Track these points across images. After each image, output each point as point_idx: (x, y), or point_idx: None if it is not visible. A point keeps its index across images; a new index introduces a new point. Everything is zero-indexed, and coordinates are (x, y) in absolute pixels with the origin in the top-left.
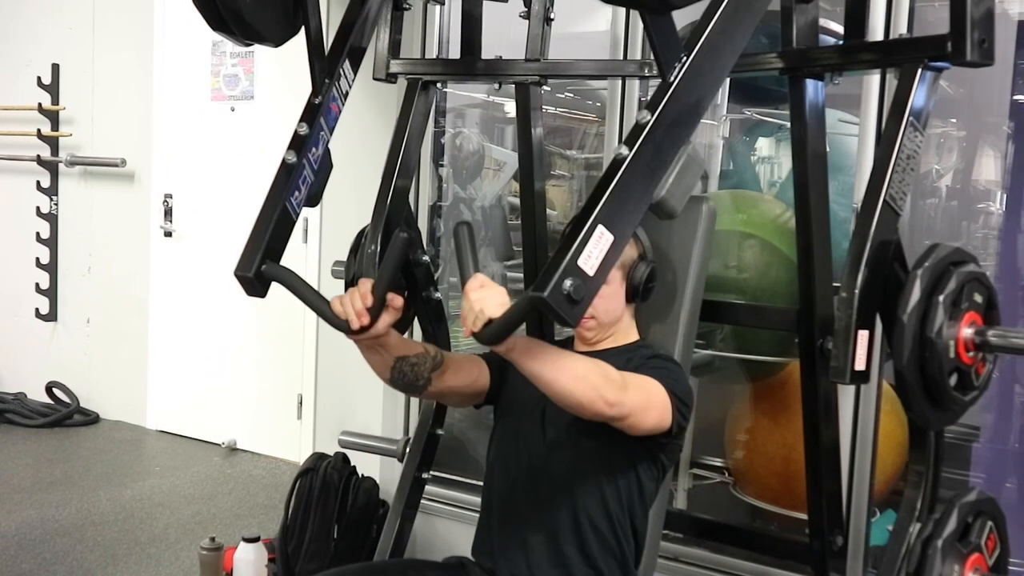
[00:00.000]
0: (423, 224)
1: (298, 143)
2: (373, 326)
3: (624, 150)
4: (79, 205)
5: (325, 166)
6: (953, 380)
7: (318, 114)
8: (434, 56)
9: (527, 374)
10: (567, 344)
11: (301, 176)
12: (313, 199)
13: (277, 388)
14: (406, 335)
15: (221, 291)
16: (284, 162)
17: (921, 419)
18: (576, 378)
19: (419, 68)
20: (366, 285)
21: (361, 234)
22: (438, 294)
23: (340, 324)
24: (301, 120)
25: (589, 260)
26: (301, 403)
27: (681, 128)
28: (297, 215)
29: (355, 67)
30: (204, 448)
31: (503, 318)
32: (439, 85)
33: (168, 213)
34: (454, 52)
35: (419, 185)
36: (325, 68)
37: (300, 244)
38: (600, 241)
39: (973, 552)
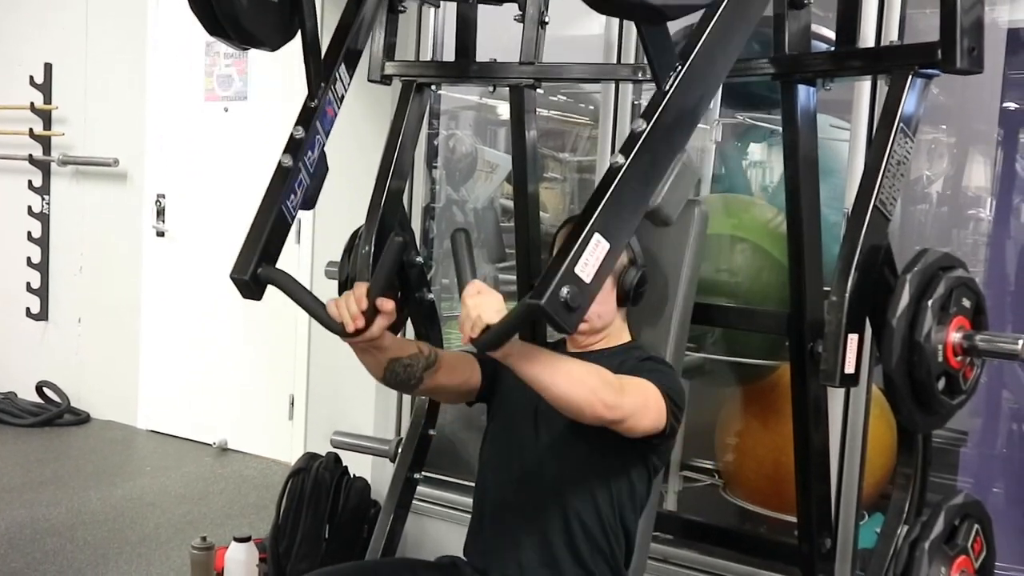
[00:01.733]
0: (416, 226)
1: (294, 147)
2: (368, 329)
3: (620, 158)
4: (71, 205)
5: (321, 170)
6: (941, 384)
7: (314, 118)
8: (429, 58)
9: (525, 379)
10: (558, 347)
11: (297, 180)
12: (308, 202)
13: (268, 388)
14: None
15: (213, 291)
16: (280, 165)
17: (909, 422)
18: (574, 382)
19: (414, 70)
20: (361, 289)
21: (355, 235)
22: (431, 296)
23: (335, 327)
24: (297, 124)
25: (586, 268)
26: (292, 403)
27: (677, 136)
28: (293, 218)
29: (351, 70)
30: (195, 448)
31: (500, 325)
32: (433, 87)
33: (160, 213)
34: (448, 55)
35: (412, 187)
36: (321, 71)
37: (293, 245)
38: (596, 249)
39: (960, 555)
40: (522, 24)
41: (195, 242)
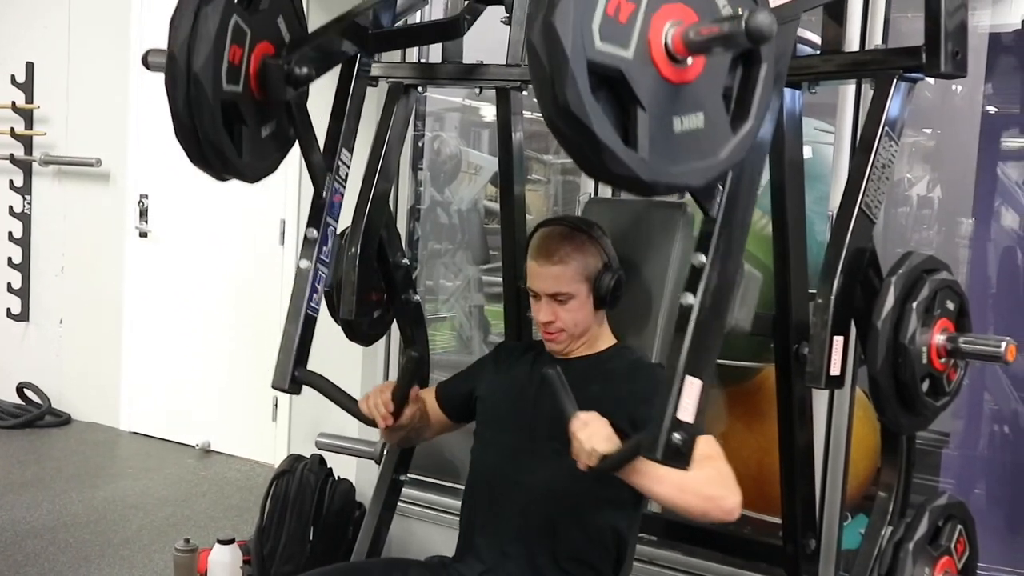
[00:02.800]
0: (402, 227)
1: (309, 250)
2: (397, 420)
3: (689, 298)
4: (53, 205)
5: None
6: (925, 386)
7: (323, 214)
8: (415, 60)
9: (646, 494)
10: (544, 346)
11: (317, 278)
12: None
13: (252, 390)
14: (384, 338)
15: (196, 292)
16: (298, 269)
17: (894, 424)
18: (685, 492)
19: (401, 72)
20: (387, 393)
21: (341, 236)
22: (417, 297)
23: (370, 422)
24: (309, 224)
25: (687, 410)
26: (276, 405)
27: (735, 258)
28: (317, 314)
29: (352, 148)
30: (178, 450)
31: (616, 456)
32: (420, 89)
33: (143, 214)
34: (435, 56)
35: (398, 188)
36: (323, 164)
37: (277, 247)
38: (691, 389)
39: (943, 555)
40: (509, 26)
41: (178, 243)
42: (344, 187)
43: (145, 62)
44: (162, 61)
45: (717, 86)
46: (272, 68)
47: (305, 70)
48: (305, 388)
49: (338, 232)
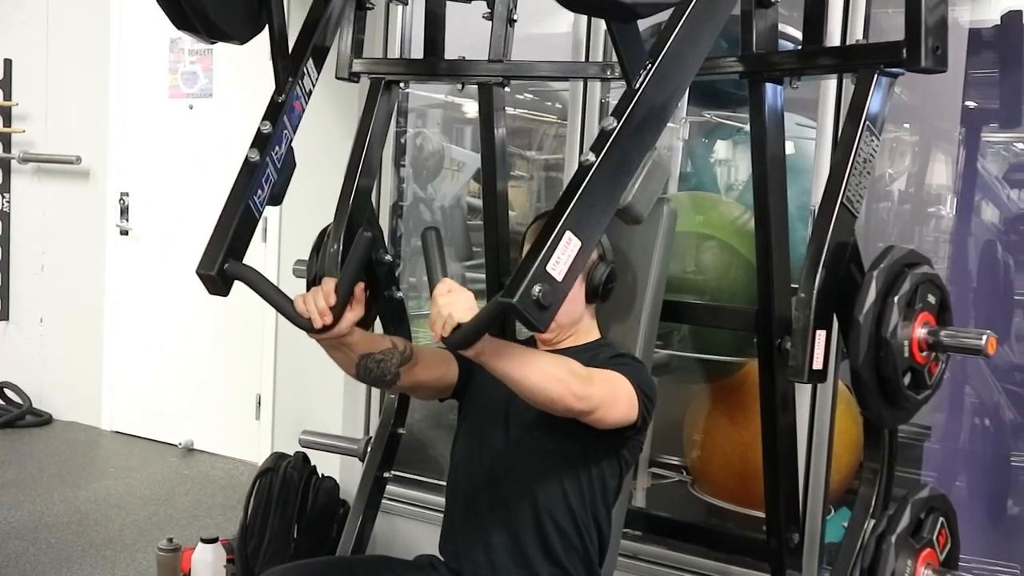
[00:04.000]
0: (384, 223)
1: (261, 141)
2: (336, 325)
3: (591, 156)
4: (32, 203)
5: (288, 165)
6: (907, 379)
7: (281, 112)
8: (397, 56)
9: (497, 375)
10: (529, 344)
11: (264, 175)
12: (276, 198)
13: (235, 388)
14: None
15: (178, 290)
16: (247, 160)
17: (876, 417)
18: (544, 375)
19: (382, 68)
20: (329, 284)
21: (323, 233)
22: (400, 294)
23: (303, 323)
24: (264, 118)
25: (557, 266)
26: (260, 403)
27: (647, 134)
28: (260, 214)
29: (319, 66)
30: (160, 449)
31: (472, 323)
32: (402, 85)
33: (124, 211)
34: (417, 52)
35: (380, 185)
36: (289, 66)
37: (260, 243)
38: (568, 247)
39: (925, 547)
40: (491, 22)
41: (159, 241)
42: (306, 100)
43: None
44: None
45: None
46: None
47: None
48: (289, 385)
49: (321, 229)
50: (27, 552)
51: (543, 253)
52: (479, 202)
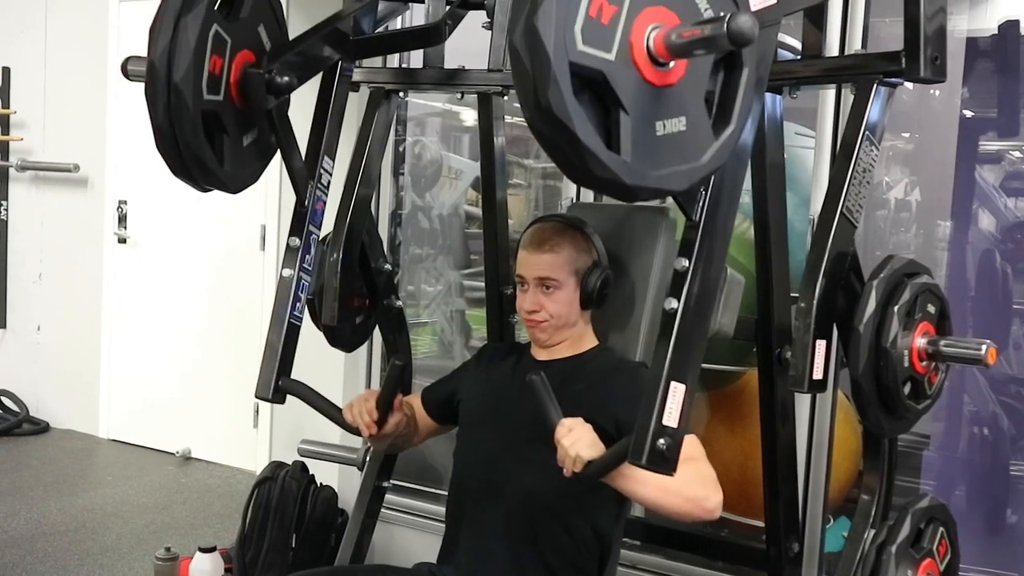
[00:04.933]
0: (384, 232)
1: (291, 258)
2: (381, 429)
3: (672, 303)
4: (30, 211)
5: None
6: (907, 389)
7: (306, 222)
8: (396, 65)
9: (630, 497)
10: (527, 347)
11: (300, 287)
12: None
13: (233, 396)
14: (366, 343)
15: (175, 298)
16: (281, 278)
17: (876, 427)
18: (669, 494)
19: (382, 77)
20: (371, 401)
21: (323, 242)
22: (399, 303)
23: (354, 430)
24: (291, 233)
25: (671, 415)
26: (257, 412)
27: (717, 262)
28: (300, 323)
29: (334, 156)
30: (158, 457)
31: (600, 463)
32: (401, 94)
33: (122, 219)
34: (415, 61)
35: (379, 193)
36: (304, 172)
37: (258, 252)
38: (676, 394)
39: (925, 557)
40: (490, 31)
41: (158, 249)
42: (327, 194)
43: (124, 71)
44: (141, 70)
45: (699, 90)
46: (253, 77)
47: (286, 78)
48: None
49: (320, 238)
50: (24, 561)
51: (656, 408)
52: (477, 210)
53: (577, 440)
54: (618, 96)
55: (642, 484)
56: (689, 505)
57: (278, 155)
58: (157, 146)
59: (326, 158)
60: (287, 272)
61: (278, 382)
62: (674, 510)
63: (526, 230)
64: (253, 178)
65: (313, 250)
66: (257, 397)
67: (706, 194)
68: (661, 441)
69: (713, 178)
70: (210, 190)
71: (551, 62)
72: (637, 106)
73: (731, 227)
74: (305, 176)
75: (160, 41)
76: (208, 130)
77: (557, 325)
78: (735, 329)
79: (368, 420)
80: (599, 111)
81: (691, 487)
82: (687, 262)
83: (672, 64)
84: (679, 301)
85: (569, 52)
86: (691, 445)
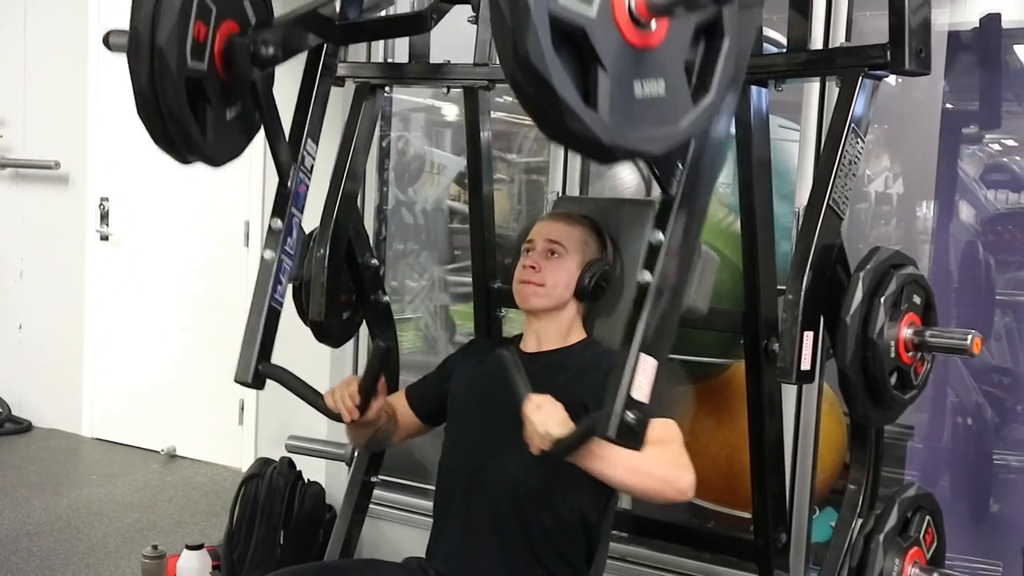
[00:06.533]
0: (369, 227)
1: (273, 240)
2: (363, 415)
3: (646, 275)
4: (10, 208)
5: (300, 242)
6: (894, 379)
7: (288, 204)
8: (381, 60)
9: (598, 477)
10: (515, 341)
11: (281, 269)
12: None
13: (217, 393)
14: (353, 339)
15: (159, 296)
16: (262, 260)
17: (863, 417)
18: (639, 474)
19: (367, 71)
20: (353, 386)
21: (310, 237)
22: (386, 298)
23: (335, 416)
24: (273, 214)
25: (641, 389)
26: (243, 408)
27: (692, 238)
28: (281, 306)
29: (317, 140)
30: (143, 455)
31: (569, 439)
32: (387, 89)
33: (104, 217)
34: (400, 56)
35: (365, 189)
36: (288, 154)
37: (242, 248)
38: (646, 368)
39: (912, 546)
40: (476, 25)
41: (140, 246)
42: (309, 178)
43: (107, 42)
44: (124, 41)
45: (679, 56)
46: (238, 46)
47: (272, 50)
48: (272, 391)
49: (307, 233)
50: (8, 561)
51: (625, 381)
52: (460, 205)
53: (547, 417)
54: (597, 53)
55: (612, 465)
56: (660, 485)
57: (263, 149)
58: (139, 113)
59: (309, 141)
60: (268, 254)
61: (258, 366)
62: (646, 491)
63: (534, 224)
64: (236, 152)
65: (295, 233)
66: (237, 381)
67: (684, 168)
68: (630, 415)
69: (692, 152)
70: (191, 162)
71: (531, 10)
72: (616, 64)
73: (707, 204)
74: (288, 157)
75: (144, 5)
76: (191, 99)
77: (549, 295)
78: (721, 321)
79: (350, 405)
80: (578, 68)
81: (662, 467)
82: (662, 235)
83: (654, 26)
84: (653, 274)
85: (549, 2)
86: (668, 429)
